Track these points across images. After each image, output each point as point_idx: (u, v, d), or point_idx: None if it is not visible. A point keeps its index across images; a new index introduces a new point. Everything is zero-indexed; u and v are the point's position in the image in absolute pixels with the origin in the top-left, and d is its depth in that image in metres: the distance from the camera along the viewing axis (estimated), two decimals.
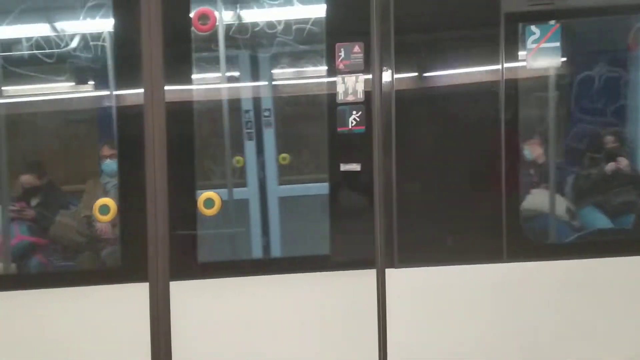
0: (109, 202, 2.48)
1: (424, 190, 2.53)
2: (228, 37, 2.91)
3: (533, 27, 2.48)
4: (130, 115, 2.44)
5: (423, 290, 2.52)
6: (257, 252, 3.47)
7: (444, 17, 2.56)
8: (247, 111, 3.47)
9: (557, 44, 2.48)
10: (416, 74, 2.54)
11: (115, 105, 2.54)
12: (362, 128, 2.49)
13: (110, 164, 3.08)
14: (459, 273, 2.49)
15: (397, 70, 2.50)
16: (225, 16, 2.85)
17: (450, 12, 2.54)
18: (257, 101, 3.53)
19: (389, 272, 2.51)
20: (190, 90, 2.49)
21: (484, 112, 2.51)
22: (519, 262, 2.47)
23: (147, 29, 2.39)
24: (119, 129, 2.53)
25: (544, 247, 2.67)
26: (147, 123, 2.40)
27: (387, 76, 2.49)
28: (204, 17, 2.51)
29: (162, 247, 2.43)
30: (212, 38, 2.81)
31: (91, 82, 3.38)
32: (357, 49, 2.50)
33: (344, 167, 2.51)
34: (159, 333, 2.44)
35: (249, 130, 3.53)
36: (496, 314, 2.50)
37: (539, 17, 2.49)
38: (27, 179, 3.18)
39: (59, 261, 3.10)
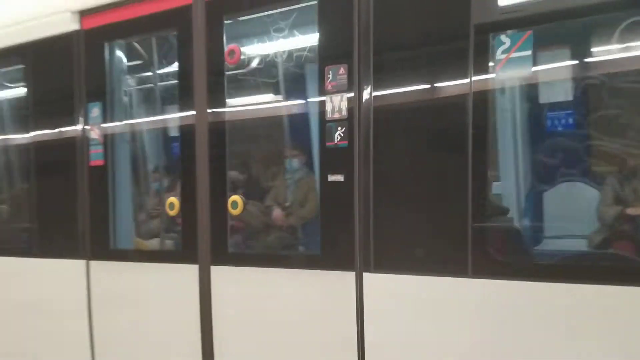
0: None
1: (398, 201, 2.64)
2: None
3: (503, 37, 2.36)
4: None
5: (395, 295, 2.64)
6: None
7: (417, 35, 2.61)
8: None
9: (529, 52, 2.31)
10: (392, 91, 2.65)
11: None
12: (345, 143, 2.74)
13: (291, 163, 3.68)
14: (425, 283, 2.55)
15: (376, 88, 2.67)
16: (247, 50, 3.34)
17: (423, 30, 2.58)
18: None
19: (366, 275, 2.70)
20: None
21: (452, 126, 2.49)
22: (483, 279, 2.40)
23: None
24: None
25: (509, 266, 2.47)
26: None
27: (366, 94, 2.68)
28: (231, 52, 3.08)
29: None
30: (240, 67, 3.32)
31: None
32: (342, 70, 2.75)
33: (330, 178, 2.79)
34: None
35: None
36: (459, 328, 2.47)
37: (510, 26, 2.36)
38: (233, 174, 3.71)
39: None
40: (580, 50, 2.73)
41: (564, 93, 2.83)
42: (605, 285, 2.16)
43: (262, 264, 3.05)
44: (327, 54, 2.81)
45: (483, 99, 2.42)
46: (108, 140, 3.61)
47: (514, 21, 2.37)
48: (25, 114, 4.07)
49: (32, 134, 3.98)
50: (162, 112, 3.91)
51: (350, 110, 2.72)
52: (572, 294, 2.21)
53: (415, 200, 2.59)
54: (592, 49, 2.69)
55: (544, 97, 2.88)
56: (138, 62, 3.84)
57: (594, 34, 2.67)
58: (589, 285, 2.18)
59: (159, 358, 3.40)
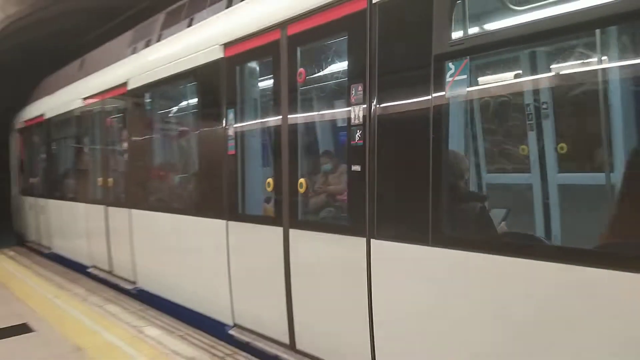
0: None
1: (393, 186, 3.52)
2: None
3: (450, 64, 3.07)
4: None
5: (392, 258, 3.53)
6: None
7: (402, 64, 3.43)
8: None
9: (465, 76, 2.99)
10: (386, 104, 3.52)
11: None
12: (361, 142, 3.70)
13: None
14: (409, 250, 3.39)
15: (378, 103, 3.57)
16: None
17: (405, 61, 3.40)
18: None
19: (373, 241, 3.65)
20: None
21: (421, 130, 3.27)
22: (442, 248, 3.17)
23: None
24: None
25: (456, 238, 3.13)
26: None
27: (373, 106, 3.60)
28: (300, 74, 4.24)
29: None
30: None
31: None
32: (359, 88, 3.71)
33: (353, 168, 3.78)
34: None
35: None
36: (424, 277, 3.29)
37: (455, 56, 3.06)
38: (323, 159, 4.80)
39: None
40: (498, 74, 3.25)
41: (485, 108, 3.35)
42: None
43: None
44: (352, 75, 3.79)
45: (439, 111, 3.17)
46: (238, 135, 5.08)
47: (458, 52, 3.07)
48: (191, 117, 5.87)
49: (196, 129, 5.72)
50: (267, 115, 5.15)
51: (364, 117, 3.67)
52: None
53: (402, 186, 3.45)
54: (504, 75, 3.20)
55: (474, 110, 3.44)
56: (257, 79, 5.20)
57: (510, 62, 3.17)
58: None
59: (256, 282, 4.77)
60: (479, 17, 3.34)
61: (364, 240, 3.69)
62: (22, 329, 5.91)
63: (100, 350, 5.10)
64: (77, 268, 9.41)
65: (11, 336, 5.64)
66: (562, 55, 3.31)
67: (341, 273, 3.91)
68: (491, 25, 3.19)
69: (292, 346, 4.48)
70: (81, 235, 9.16)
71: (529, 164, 4.15)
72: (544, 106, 3.83)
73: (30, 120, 12.12)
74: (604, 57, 3.37)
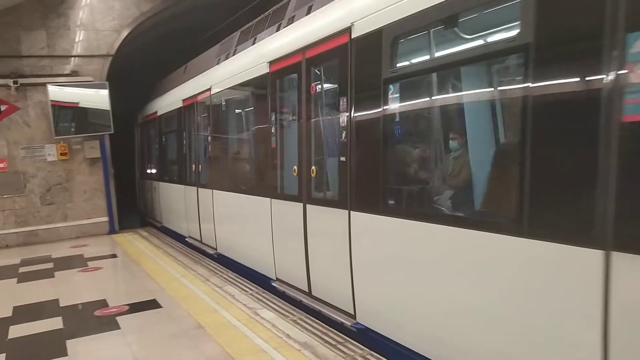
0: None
1: (363, 173, 4.83)
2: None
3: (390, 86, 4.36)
4: None
5: (362, 223, 4.87)
6: None
7: (364, 84, 4.75)
8: None
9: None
10: (358, 113, 4.84)
11: None
12: (346, 140, 5.05)
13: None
14: (371, 218, 4.71)
15: (355, 112, 4.89)
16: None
17: (366, 83, 4.70)
18: None
19: (352, 213, 4.99)
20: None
21: (375, 133, 4.59)
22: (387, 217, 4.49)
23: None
24: None
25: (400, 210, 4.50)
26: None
27: (352, 114, 4.92)
28: (312, 87, 5.65)
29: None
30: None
31: None
32: (344, 100, 5.04)
33: (341, 159, 5.14)
34: None
35: None
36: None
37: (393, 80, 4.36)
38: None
39: None
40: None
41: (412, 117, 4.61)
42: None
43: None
44: (341, 91, 5.14)
45: (386, 119, 4.47)
46: (277, 132, 6.59)
47: (393, 78, 4.37)
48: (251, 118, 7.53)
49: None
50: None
51: (347, 122, 5.01)
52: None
53: (367, 174, 4.77)
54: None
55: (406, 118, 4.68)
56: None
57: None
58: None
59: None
60: (409, 54, 4.54)
61: (347, 212, 5.06)
62: (152, 304, 6.51)
63: (218, 329, 5.41)
64: (178, 238, 11.58)
65: (142, 311, 6.27)
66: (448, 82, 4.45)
67: (334, 236, 5.30)
68: (416, 60, 4.44)
69: (309, 293, 5.95)
70: (181, 211, 11.25)
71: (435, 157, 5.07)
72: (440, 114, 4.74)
73: (148, 116, 14.54)
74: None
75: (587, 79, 2.87)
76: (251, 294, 6.65)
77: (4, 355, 5.16)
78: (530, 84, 3.12)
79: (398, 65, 4.38)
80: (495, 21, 3.83)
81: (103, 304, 6.72)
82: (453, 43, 4.01)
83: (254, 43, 7.97)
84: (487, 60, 3.96)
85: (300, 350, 4.70)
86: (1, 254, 11.39)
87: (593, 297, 2.78)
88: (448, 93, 4.46)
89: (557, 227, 2.98)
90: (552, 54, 3.05)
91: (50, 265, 9.64)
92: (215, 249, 9.24)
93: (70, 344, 5.35)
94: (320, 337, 5.01)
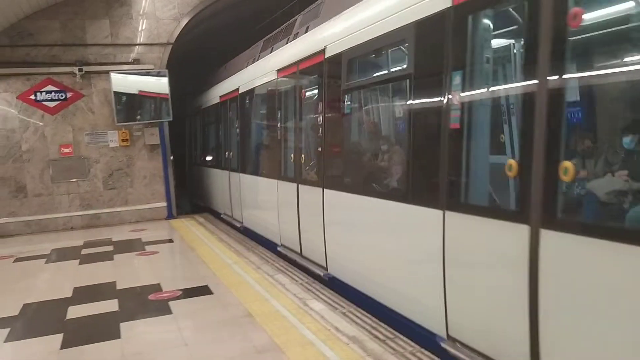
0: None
1: (336, 158, 6.01)
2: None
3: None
4: None
5: (332, 199, 6.27)
6: None
7: (334, 92, 6.16)
8: None
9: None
10: (329, 115, 6.30)
11: None
12: (321, 135, 6.45)
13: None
14: (337, 194, 6.15)
15: (326, 113, 6.00)
16: None
17: (335, 91, 6.06)
18: None
19: (325, 190, 6.39)
20: None
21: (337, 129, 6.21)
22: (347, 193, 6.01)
23: None
24: None
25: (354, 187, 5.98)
26: None
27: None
28: (303, 93, 6.73)
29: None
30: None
31: None
32: (320, 104, 6.49)
33: (318, 149, 6.20)
34: None
35: None
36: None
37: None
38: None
39: None
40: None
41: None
42: None
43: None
44: (319, 96, 6.55)
45: (345, 119, 6.15)
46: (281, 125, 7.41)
47: (347, 90, 6.05)
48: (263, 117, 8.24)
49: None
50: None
51: (322, 121, 6.40)
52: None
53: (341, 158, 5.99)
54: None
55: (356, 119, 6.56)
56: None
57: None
58: None
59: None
60: (355, 73, 6.04)
61: (320, 189, 6.57)
62: (204, 290, 6.58)
63: (268, 317, 5.42)
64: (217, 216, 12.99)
65: (194, 296, 6.37)
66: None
67: (315, 209, 6.71)
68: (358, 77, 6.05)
69: (300, 254, 7.51)
70: (225, 194, 12.03)
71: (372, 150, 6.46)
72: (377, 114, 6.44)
73: (199, 106, 15.04)
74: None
75: (436, 99, 4.29)
76: (301, 284, 6.60)
77: (61, 335, 5.34)
78: (412, 100, 4.74)
79: (349, 80, 6.02)
80: (395, 57, 5.63)
81: (157, 288, 6.86)
82: (376, 69, 6.01)
83: (271, 51, 9.47)
84: (390, 82, 5.82)
85: (348, 344, 4.60)
86: (66, 235, 11.92)
87: (435, 241, 4.24)
88: (376, 103, 6.32)
89: (422, 196, 4.54)
90: (421, 82, 4.59)
91: (110, 248, 9.98)
92: (242, 222, 10.87)
93: (124, 326, 5.48)
94: (369, 332, 4.89)
